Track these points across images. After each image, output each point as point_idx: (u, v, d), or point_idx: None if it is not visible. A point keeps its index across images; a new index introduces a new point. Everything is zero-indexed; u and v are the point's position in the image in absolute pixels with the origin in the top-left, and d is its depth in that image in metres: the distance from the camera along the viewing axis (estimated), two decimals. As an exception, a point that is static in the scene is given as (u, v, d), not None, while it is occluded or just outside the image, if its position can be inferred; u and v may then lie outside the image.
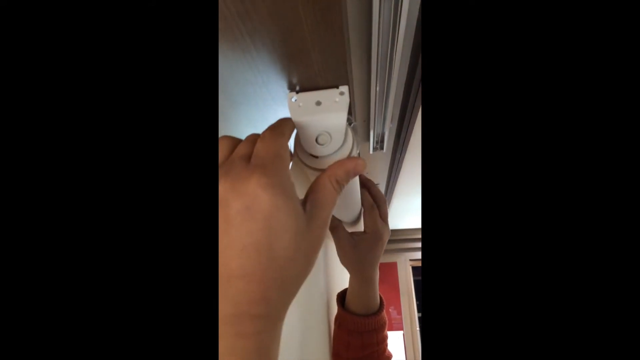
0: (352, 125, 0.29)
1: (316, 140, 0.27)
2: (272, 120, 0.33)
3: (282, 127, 0.25)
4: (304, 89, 0.27)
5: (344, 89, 0.27)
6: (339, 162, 0.26)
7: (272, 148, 0.23)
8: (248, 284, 0.19)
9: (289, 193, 0.22)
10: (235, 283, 0.19)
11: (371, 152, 0.77)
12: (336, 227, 0.56)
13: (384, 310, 0.59)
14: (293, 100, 0.27)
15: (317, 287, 0.56)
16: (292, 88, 0.28)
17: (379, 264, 0.57)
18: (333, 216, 0.57)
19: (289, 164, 0.24)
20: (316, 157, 0.28)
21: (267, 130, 0.25)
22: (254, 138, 0.25)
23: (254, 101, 0.29)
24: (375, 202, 0.55)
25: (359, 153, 0.30)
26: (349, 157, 0.28)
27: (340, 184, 0.25)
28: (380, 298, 0.60)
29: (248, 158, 0.23)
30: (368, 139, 0.73)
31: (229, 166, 0.22)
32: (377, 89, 0.53)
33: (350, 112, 0.31)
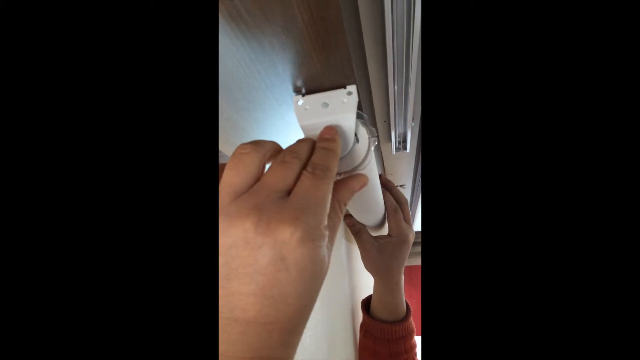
0: (363, 120, 0.28)
1: None
2: (281, 125, 0.32)
3: (332, 164, 0.22)
4: (310, 91, 0.26)
5: (352, 88, 0.26)
6: (344, 184, 0.24)
7: (318, 192, 0.20)
8: (271, 331, 0.18)
9: (324, 243, 0.20)
10: (255, 329, 0.18)
11: (394, 152, 0.74)
12: (359, 231, 0.54)
13: (411, 317, 0.57)
14: (299, 103, 0.26)
15: (341, 293, 0.54)
16: (297, 91, 0.26)
17: (404, 268, 0.55)
18: (356, 220, 0.55)
19: (329, 208, 0.21)
20: None
21: (315, 162, 0.22)
22: (289, 160, 0.22)
23: (260, 106, 0.28)
24: (398, 204, 0.53)
25: (377, 151, 0.28)
26: (357, 169, 0.26)
27: (345, 205, 0.24)
28: (407, 304, 0.58)
29: (285, 192, 0.20)
30: (390, 140, 0.71)
31: (260, 199, 0.19)
32: (396, 88, 0.51)
33: (360, 108, 0.29)
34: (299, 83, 0.25)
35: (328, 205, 0.21)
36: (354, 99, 0.25)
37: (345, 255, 0.61)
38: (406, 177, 1.05)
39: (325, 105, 0.26)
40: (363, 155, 0.26)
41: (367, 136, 0.27)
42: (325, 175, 0.21)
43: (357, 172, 0.27)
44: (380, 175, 0.58)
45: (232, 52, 0.21)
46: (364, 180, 0.25)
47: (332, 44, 0.21)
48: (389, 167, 0.76)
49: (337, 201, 0.23)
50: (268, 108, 0.29)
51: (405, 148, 0.74)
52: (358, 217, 0.52)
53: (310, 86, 0.26)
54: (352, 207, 0.46)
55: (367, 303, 0.59)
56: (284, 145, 0.24)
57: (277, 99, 0.27)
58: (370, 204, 0.44)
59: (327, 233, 0.20)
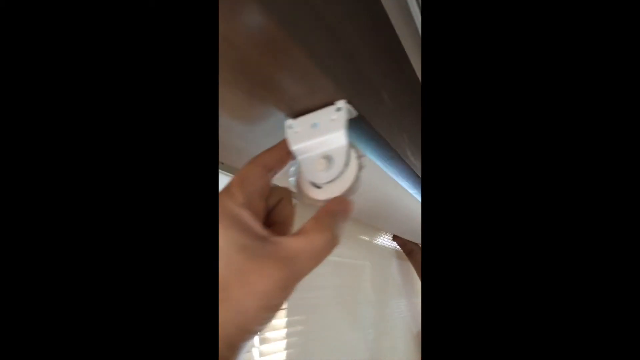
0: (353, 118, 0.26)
1: (316, 166, 0.25)
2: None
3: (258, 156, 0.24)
4: (300, 113, 0.26)
5: (341, 103, 0.24)
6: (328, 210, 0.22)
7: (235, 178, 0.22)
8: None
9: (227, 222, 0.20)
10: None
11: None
12: (412, 250, 0.50)
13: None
14: (291, 127, 0.26)
15: (398, 319, 0.50)
16: (289, 114, 0.26)
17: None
18: (408, 240, 0.51)
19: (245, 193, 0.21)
20: (319, 187, 0.25)
21: None
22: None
23: (261, 131, 0.28)
24: None
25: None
26: (350, 187, 0.24)
27: (336, 237, 0.21)
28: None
29: None
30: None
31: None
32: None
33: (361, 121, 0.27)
34: (283, 107, 0.25)
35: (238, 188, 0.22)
36: (342, 115, 0.24)
37: (399, 277, 0.57)
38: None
39: (315, 125, 0.25)
40: (352, 178, 0.24)
41: (355, 155, 0.24)
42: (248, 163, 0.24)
43: (350, 195, 0.24)
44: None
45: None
46: (343, 203, 0.22)
47: (299, 61, 0.20)
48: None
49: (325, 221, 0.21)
50: (270, 132, 0.29)
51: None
52: (411, 237, 0.48)
53: (296, 108, 0.25)
54: (387, 225, 0.42)
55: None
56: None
57: (273, 125, 0.27)
58: (398, 214, 0.40)
59: (232, 214, 0.20)
